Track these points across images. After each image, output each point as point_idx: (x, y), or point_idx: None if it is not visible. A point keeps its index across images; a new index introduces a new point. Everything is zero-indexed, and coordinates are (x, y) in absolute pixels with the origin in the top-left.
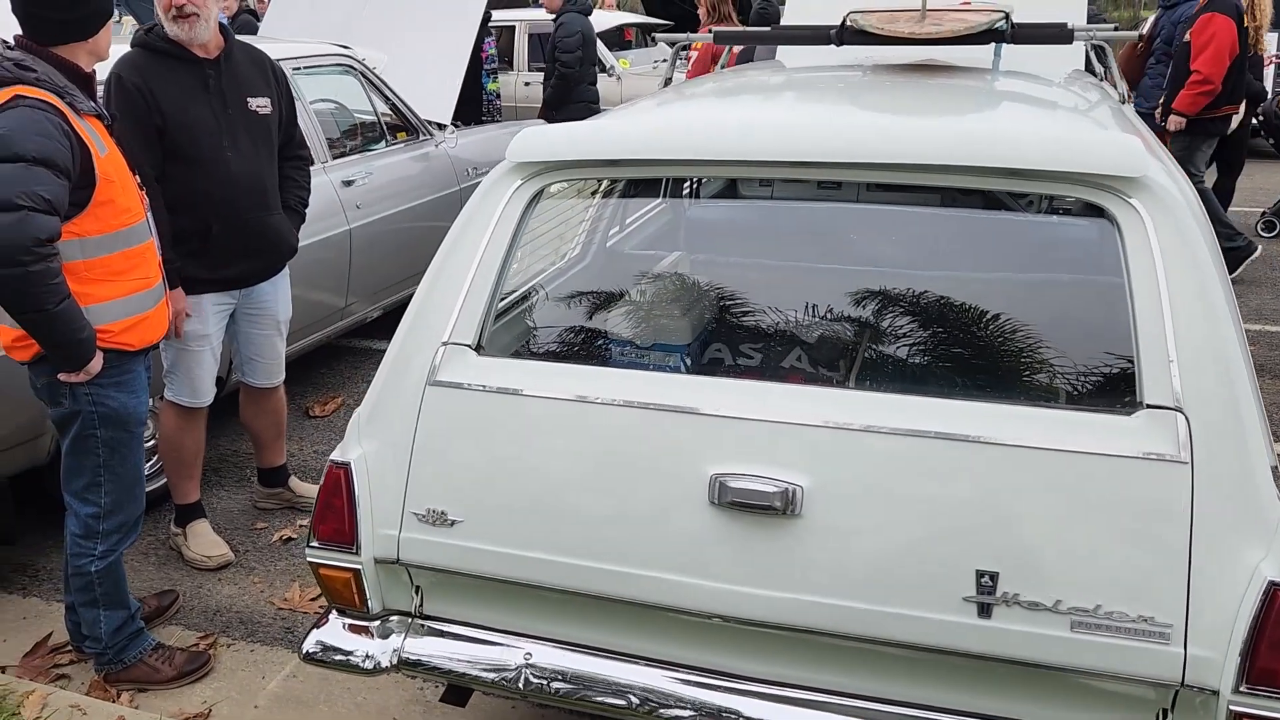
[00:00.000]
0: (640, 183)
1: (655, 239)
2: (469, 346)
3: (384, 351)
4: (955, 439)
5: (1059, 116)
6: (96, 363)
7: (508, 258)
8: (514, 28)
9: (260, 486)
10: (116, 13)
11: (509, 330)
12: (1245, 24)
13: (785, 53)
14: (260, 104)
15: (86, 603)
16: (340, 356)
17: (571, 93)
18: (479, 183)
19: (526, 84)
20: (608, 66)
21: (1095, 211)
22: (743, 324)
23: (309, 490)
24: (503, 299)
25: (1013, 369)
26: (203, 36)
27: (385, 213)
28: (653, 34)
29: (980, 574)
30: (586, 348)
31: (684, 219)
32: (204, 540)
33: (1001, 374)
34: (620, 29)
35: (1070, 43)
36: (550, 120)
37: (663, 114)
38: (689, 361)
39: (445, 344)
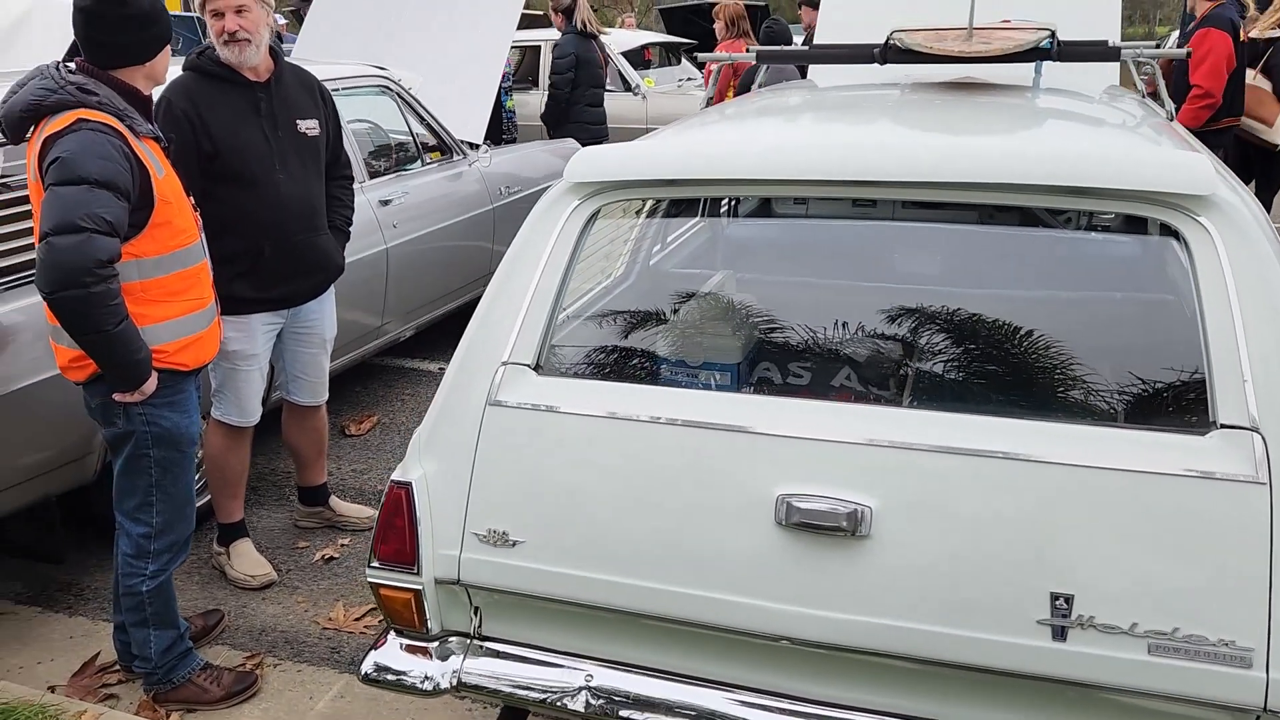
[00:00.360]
0: (682, 202)
1: (698, 257)
2: (529, 366)
3: (418, 370)
4: (1025, 460)
5: (1118, 134)
6: (151, 383)
7: (566, 277)
8: (539, 47)
9: (301, 505)
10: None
11: (567, 350)
12: (1242, 39)
13: (815, 72)
14: (309, 126)
15: (137, 622)
16: (375, 375)
17: (566, 113)
18: (511, 201)
19: None
20: (633, 86)
21: (1162, 229)
22: (793, 343)
23: (349, 509)
24: (560, 318)
25: (1079, 388)
26: (253, 60)
27: (421, 231)
28: (694, 54)
29: (1055, 596)
30: (641, 367)
31: (727, 237)
32: (247, 559)
33: (1067, 393)
34: (641, 48)
35: (1117, 60)
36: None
37: (719, 134)
38: (740, 380)
39: (505, 364)
